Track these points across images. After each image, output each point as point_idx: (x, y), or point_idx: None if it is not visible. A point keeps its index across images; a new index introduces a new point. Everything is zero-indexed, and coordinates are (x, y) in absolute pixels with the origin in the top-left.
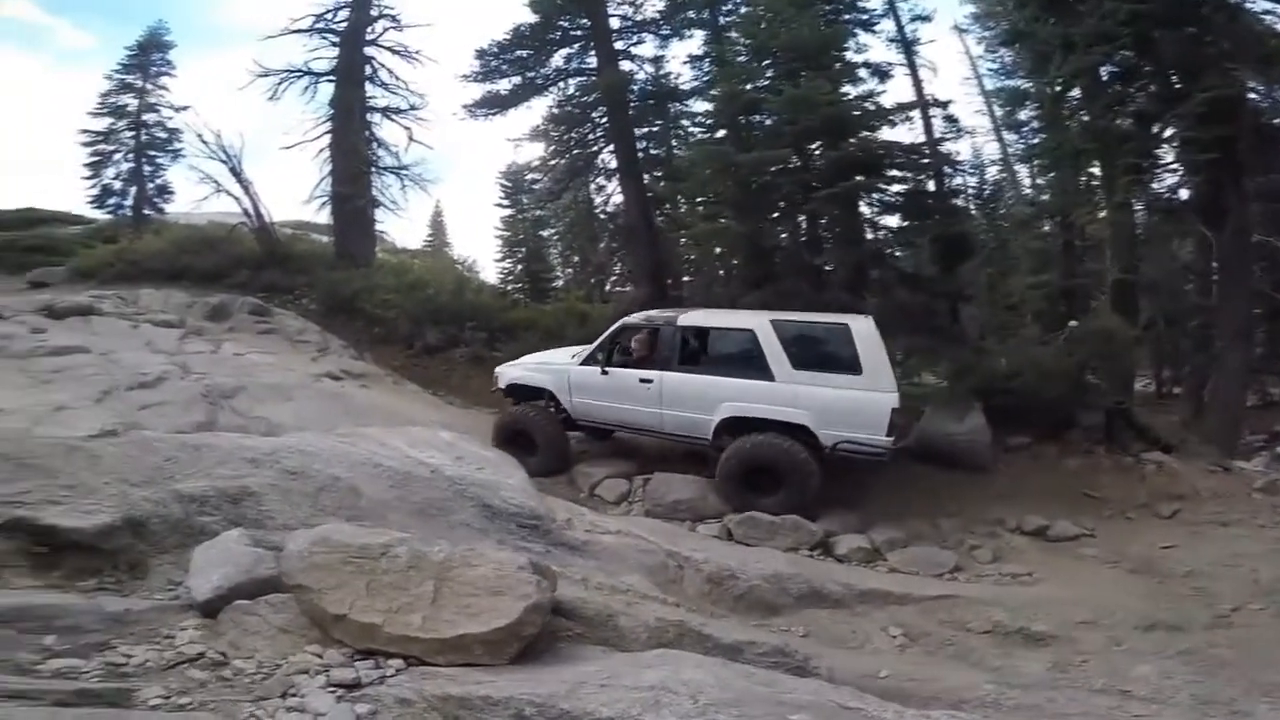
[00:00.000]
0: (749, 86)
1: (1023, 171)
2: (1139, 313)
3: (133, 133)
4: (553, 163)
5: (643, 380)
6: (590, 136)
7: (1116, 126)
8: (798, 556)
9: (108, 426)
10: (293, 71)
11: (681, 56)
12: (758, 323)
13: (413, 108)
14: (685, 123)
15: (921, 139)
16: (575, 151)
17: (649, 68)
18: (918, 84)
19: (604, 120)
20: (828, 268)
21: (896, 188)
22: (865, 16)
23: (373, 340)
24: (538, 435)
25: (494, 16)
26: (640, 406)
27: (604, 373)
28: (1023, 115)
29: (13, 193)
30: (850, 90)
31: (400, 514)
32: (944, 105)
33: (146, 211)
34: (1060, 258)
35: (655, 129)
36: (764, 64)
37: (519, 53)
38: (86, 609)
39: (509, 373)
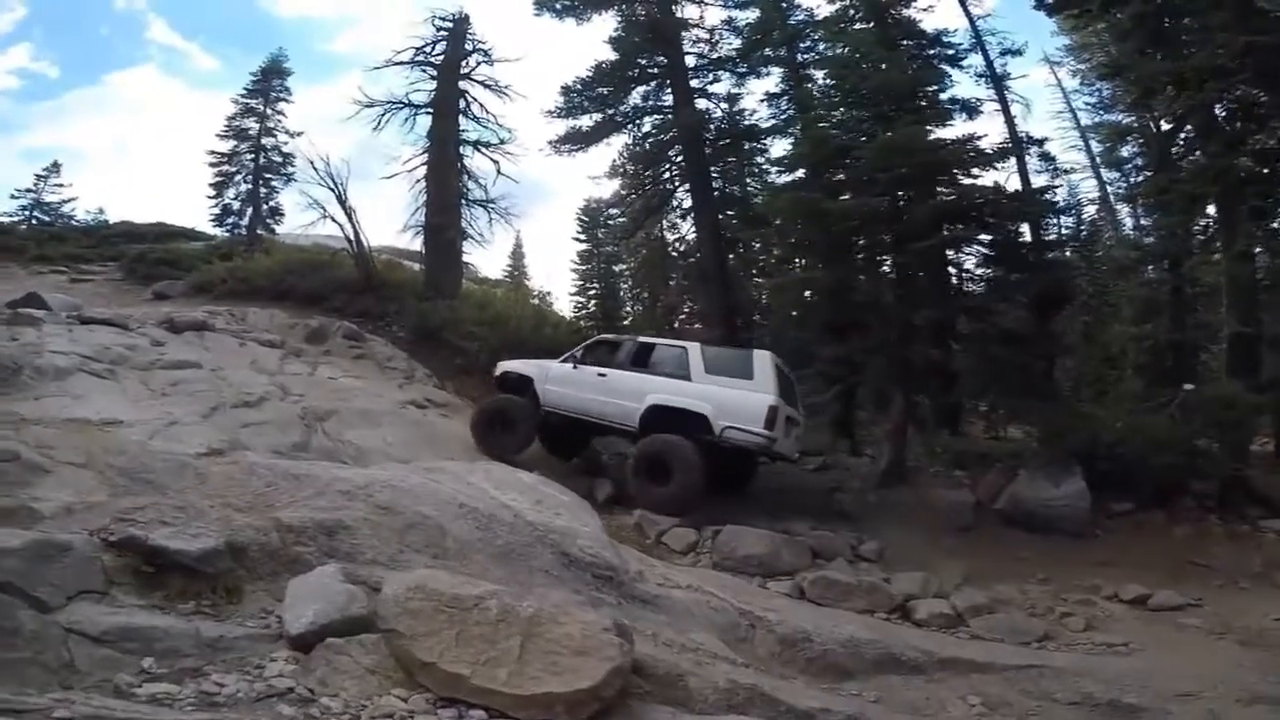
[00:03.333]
0: (835, 132)
1: (1124, 211)
2: (1259, 369)
3: (253, 156)
4: (630, 196)
5: (599, 374)
6: (665, 175)
7: (1236, 166)
8: (874, 620)
9: (214, 445)
10: (394, 103)
11: (758, 94)
12: (690, 344)
13: (502, 141)
14: (760, 160)
15: (1013, 177)
16: (649, 189)
17: (724, 105)
18: (1010, 121)
19: (679, 159)
20: (915, 320)
21: (989, 235)
22: (952, 52)
23: (454, 370)
24: (517, 419)
25: (583, 52)
26: (593, 395)
27: (575, 368)
28: (1125, 152)
29: (150, 206)
30: (941, 132)
31: (483, 556)
32: (1039, 143)
33: (259, 231)
34: (1168, 307)
35: (730, 166)
36: (852, 107)
37: (600, 90)
38: (184, 632)
39: (504, 365)
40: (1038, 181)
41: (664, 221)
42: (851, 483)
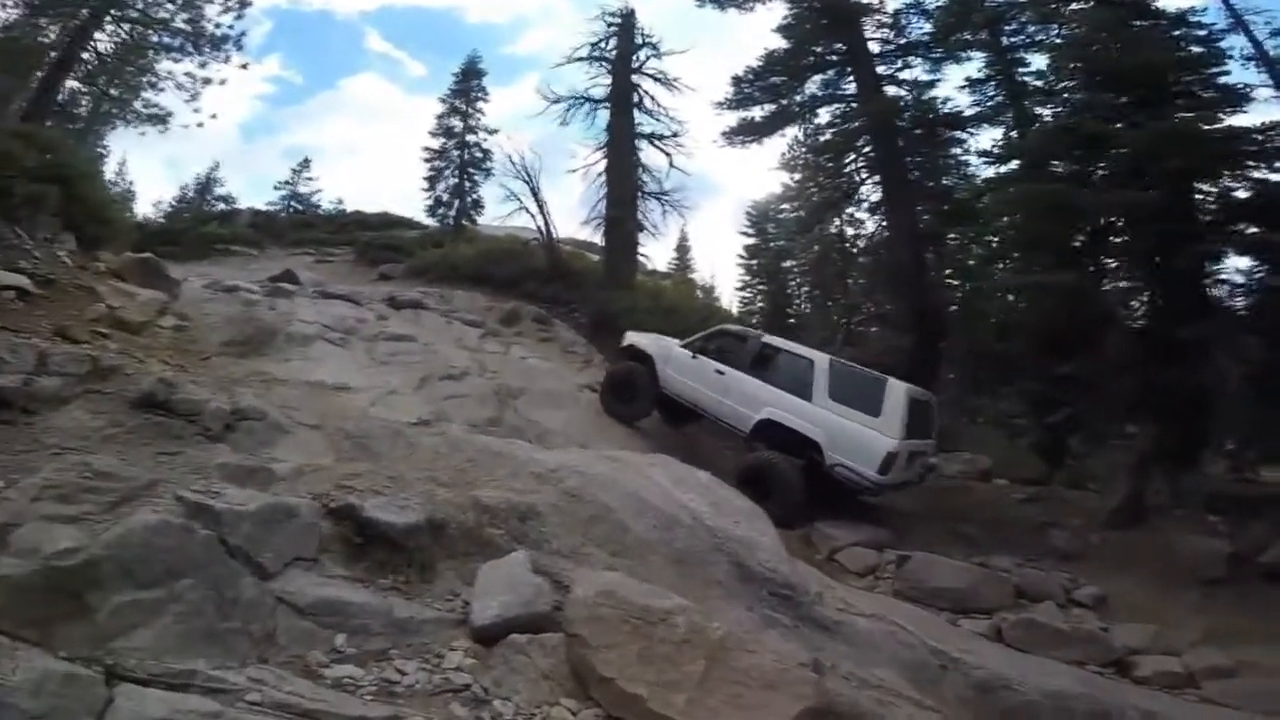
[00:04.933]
0: (1075, 119)
1: None
2: None
3: (458, 152)
4: (808, 189)
5: (718, 370)
6: (850, 167)
7: None
8: (1087, 674)
9: (424, 415)
10: (576, 98)
11: (953, 81)
12: (819, 357)
13: (674, 134)
14: (957, 151)
15: None
16: (829, 181)
17: (915, 93)
18: None
19: (866, 149)
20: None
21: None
22: (1203, 33)
23: None
24: (640, 387)
25: (754, 42)
26: (708, 390)
27: (694, 356)
28: None
29: (378, 197)
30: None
31: (660, 558)
32: None
33: (464, 222)
34: None
35: (925, 158)
36: (1090, 91)
37: (772, 79)
38: (378, 610)
39: (632, 336)
40: None
41: (842, 216)
42: (1070, 519)
